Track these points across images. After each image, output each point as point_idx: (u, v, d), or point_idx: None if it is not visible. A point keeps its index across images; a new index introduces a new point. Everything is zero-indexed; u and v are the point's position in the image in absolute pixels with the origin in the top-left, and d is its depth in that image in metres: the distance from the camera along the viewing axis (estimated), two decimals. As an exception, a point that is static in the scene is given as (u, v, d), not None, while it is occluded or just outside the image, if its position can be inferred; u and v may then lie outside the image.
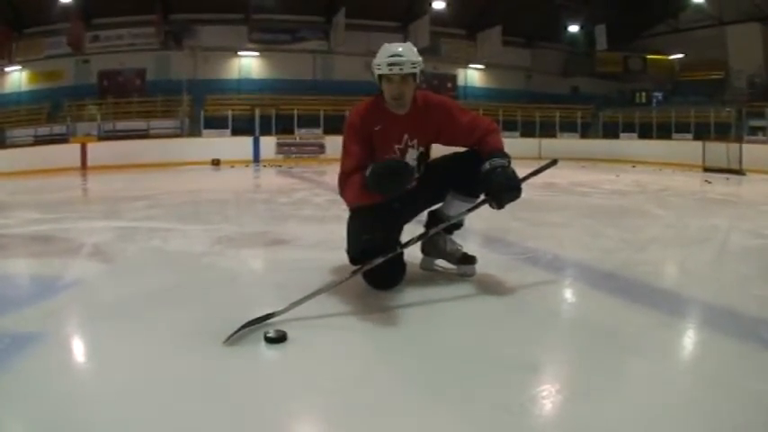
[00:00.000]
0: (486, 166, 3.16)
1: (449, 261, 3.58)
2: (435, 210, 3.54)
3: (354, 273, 3.03)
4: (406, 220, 3.50)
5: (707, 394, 2.02)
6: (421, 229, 3.43)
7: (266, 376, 2.23)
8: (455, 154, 3.43)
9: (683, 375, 2.26)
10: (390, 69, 3.13)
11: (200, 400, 1.96)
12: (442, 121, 3.35)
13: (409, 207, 3.47)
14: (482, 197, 3.27)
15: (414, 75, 3.18)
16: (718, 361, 2.32)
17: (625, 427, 1.79)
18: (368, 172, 3.00)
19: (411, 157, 3.36)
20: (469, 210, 3.32)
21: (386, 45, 3.27)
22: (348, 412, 1.91)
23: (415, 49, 3.24)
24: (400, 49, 3.18)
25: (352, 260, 3.24)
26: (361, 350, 2.49)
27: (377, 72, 3.19)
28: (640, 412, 1.87)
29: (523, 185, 3.15)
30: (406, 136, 3.33)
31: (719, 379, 2.13)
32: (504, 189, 3.12)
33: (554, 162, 3.47)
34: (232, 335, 2.43)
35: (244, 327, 2.49)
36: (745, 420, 1.81)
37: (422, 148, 3.40)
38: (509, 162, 3.20)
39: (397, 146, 3.32)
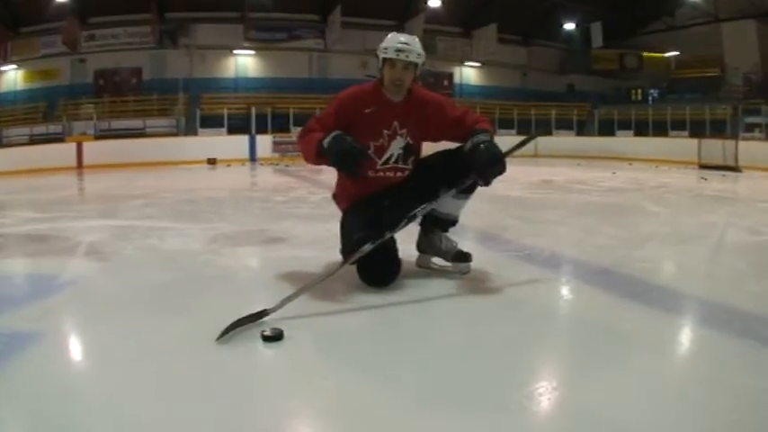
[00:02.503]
0: (468, 144, 3.23)
1: (444, 258, 3.57)
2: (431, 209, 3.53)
3: (344, 263, 3.06)
4: (397, 219, 3.49)
5: (703, 391, 2.02)
6: (416, 229, 3.44)
7: (263, 374, 2.23)
8: (447, 150, 3.45)
9: (678, 372, 2.27)
10: (397, 55, 3.27)
11: (197, 399, 1.96)
12: (434, 114, 3.44)
13: (402, 205, 3.46)
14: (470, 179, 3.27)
15: (416, 65, 3.33)
16: (714, 358, 2.33)
17: (621, 423, 1.80)
18: (327, 141, 3.11)
19: (398, 145, 3.42)
20: (460, 193, 3.35)
21: (395, 33, 3.43)
22: (345, 411, 1.91)
23: (420, 43, 3.38)
24: (409, 39, 3.34)
25: (342, 265, 3.25)
26: (357, 348, 2.48)
27: (383, 55, 3.33)
28: (637, 409, 1.87)
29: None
30: (396, 123, 3.39)
31: (715, 376, 2.13)
32: (486, 164, 3.14)
33: (533, 136, 3.62)
34: (224, 333, 2.43)
35: (236, 324, 2.50)
36: (740, 417, 1.82)
37: (410, 139, 3.44)
38: (491, 137, 3.23)
39: (385, 131, 3.39)
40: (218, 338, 2.41)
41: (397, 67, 3.29)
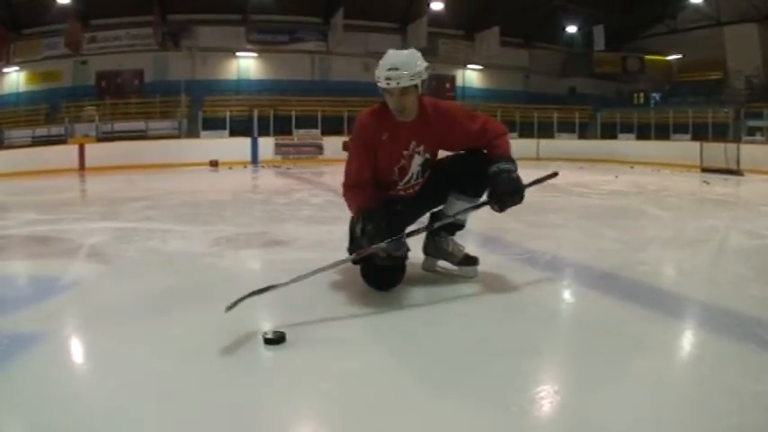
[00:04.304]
0: (494, 169, 3.19)
1: (451, 262, 3.58)
2: (438, 211, 3.53)
3: (359, 255, 3.04)
4: (409, 222, 3.48)
5: (704, 395, 2.03)
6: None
7: (265, 377, 2.23)
8: (457, 155, 3.43)
9: (680, 376, 2.28)
10: (388, 84, 3.06)
11: (199, 401, 1.97)
12: (450, 129, 3.31)
13: (411, 209, 3.46)
14: (485, 198, 3.29)
15: (415, 86, 3.10)
16: (716, 361, 2.33)
17: (623, 427, 1.80)
18: (361, 220, 3.06)
19: (417, 163, 3.35)
20: (472, 208, 3.34)
21: (388, 54, 3.17)
22: (347, 413, 1.92)
23: (418, 56, 3.15)
24: (399, 60, 3.09)
25: (353, 259, 3.25)
26: (360, 351, 2.49)
27: (377, 83, 3.12)
28: (638, 412, 1.88)
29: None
30: (413, 142, 3.29)
31: (717, 379, 2.13)
32: (506, 193, 3.16)
33: (555, 174, 3.52)
34: (233, 304, 2.56)
35: (245, 297, 2.59)
36: (741, 421, 1.82)
37: (427, 155, 3.36)
38: (515, 168, 3.22)
39: (404, 152, 3.30)
40: (227, 309, 2.54)
41: (393, 95, 3.10)
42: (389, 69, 3.07)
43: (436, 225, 3.38)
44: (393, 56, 3.13)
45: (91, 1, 21.12)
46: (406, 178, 3.38)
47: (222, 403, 1.94)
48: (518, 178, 3.20)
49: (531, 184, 3.32)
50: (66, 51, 22.03)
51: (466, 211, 3.35)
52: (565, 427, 1.84)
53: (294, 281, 2.73)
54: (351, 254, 3.23)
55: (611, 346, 2.50)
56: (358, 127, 3.30)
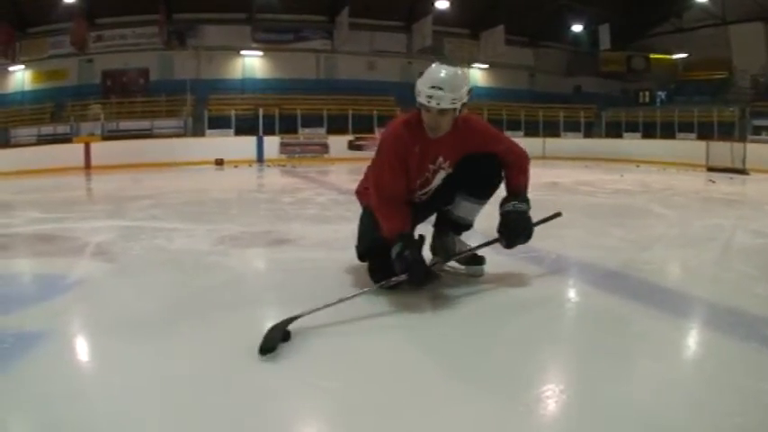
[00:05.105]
0: (508, 207, 3.29)
1: (458, 261, 3.58)
2: (445, 210, 3.54)
3: (383, 286, 3.01)
4: (418, 221, 3.49)
5: (709, 393, 2.02)
6: (430, 230, 3.44)
7: (268, 375, 2.22)
8: (464, 157, 3.40)
9: (685, 375, 2.27)
10: (428, 101, 2.98)
11: (202, 399, 1.97)
12: (476, 147, 3.28)
13: (421, 209, 3.46)
14: (496, 235, 3.37)
15: (454, 108, 3.03)
16: (721, 360, 2.33)
17: (628, 426, 1.80)
18: (394, 249, 2.99)
19: (440, 177, 3.34)
20: (483, 245, 3.41)
21: (433, 68, 3.06)
22: (349, 412, 1.92)
23: (463, 78, 3.07)
24: (444, 79, 2.98)
25: (360, 256, 3.25)
26: (363, 349, 2.48)
27: (417, 97, 3.04)
28: (643, 411, 1.87)
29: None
30: (440, 158, 3.26)
31: (722, 378, 2.13)
32: (516, 234, 3.29)
33: (559, 214, 3.68)
34: (266, 347, 2.33)
35: (275, 332, 2.42)
36: (746, 420, 1.82)
37: (450, 170, 3.33)
38: (528, 208, 3.31)
39: (431, 165, 3.27)
40: (262, 353, 2.30)
41: (431, 113, 3.03)
42: (432, 87, 2.97)
43: (467, 252, 3.47)
44: (438, 72, 3.03)
45: None
46: (426, 189, 3.38)
47: (224, 401, 1.94)
48: (529, 219, 3.30)
49: (537, 223, 3.42)
50: (71, 50, 22.15)
51: (470, 204, 3.42)
52: (570, 426, 1.84)
53: (318, 310, 2.68)
54: (358, 251, 3.30)
55: (615, 345, 2.50)
56: (391, 138, 3.21)
